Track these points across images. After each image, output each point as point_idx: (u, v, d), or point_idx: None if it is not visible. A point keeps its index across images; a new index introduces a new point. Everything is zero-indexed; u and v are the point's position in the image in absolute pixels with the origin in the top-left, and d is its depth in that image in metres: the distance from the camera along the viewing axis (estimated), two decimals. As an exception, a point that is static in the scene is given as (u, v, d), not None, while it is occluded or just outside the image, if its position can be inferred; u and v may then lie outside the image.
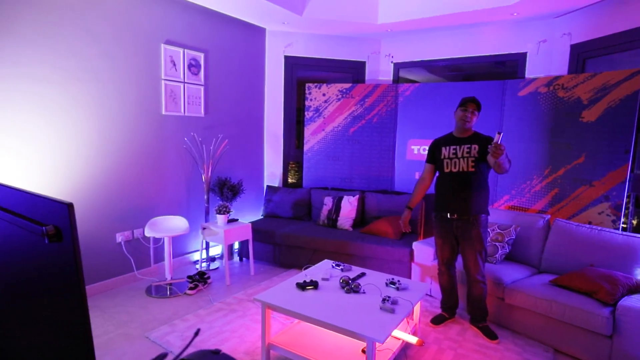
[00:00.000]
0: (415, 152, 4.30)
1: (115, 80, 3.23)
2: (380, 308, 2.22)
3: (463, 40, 4.30)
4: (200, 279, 3.41)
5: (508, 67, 4.33)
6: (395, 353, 2.28)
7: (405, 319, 2.40)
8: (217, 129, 4.14)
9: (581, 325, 2.41)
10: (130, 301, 3.12)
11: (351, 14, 4.07)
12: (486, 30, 4.16)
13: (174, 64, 3.65)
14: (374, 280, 2.64)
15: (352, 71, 4.87)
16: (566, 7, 3.49)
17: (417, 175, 4.24)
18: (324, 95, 4.58)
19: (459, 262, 2.89)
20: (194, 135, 3.89)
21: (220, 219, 3.63)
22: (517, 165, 3.67)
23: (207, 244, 3.97)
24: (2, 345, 1.08)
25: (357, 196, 4.21)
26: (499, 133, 2.32)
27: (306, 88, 4.65)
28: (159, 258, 3.72)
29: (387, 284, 2.56)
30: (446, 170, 2.74)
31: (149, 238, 3.57)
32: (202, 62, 3.90)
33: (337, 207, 4.17)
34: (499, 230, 3.20)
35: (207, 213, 3.92)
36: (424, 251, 3.35)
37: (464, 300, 2.89)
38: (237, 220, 3.83)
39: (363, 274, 2.74)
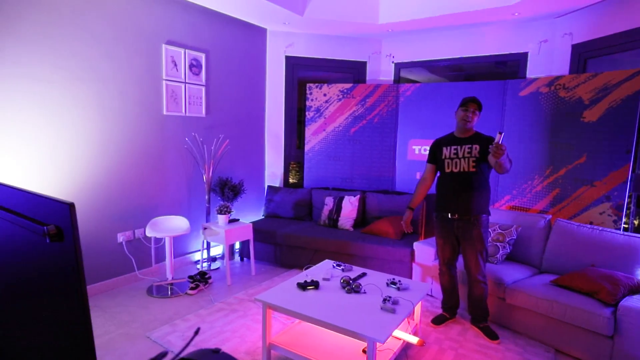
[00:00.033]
0: (416, 152, 4.30)
1: (117, 81, 3.23)
2: (381, 308, 2.21)
3: (464, 40, 4.30)
4: (201, 279, 3.41)
5: (509, 67, 4.33)
6: (396, 353, 2.28)
7: (406, 319, 2.40)
8: (218, 129, 4.15)
9: (582, 325, 2.41)
10: (131, 301, 3.12)
11: (352, 14, 4.07)
12: (487, 30, 4.15)
13: (175, 64, 3.65)
14: (375, 280, 2.64)
15: (353, 71, 4.87)
16: (567, 7, 3.48)
17: (418, 176, 4.24)
18: (324, 95, 4.58)
19: (460, 262, 2.89)
20: (195, 135, 3.89)
21: (221, 219, 3.64)
22: (518, 165, 3.66)
23: (208, 244, 3.97)
24: (2, 345, 1.08)
25: (358, 196, 4.21)
26: (500, 133, 2.32)
27: (307, 88, 4.65)
28: (160, 258, 3.72)
29: (387, 284, 2.56)
30: (447, 171, 2.74)
31: (150, 238, 3.57)
32: (203, 63, 3.90)
33: (338, 207, 4.17)
34: (500, 231, 3.20)
35: (208, 213, 3.92)
36: (424, 251, 3.35)
37: (465, 301, 2.89)
38: (238, 220, 3.83)
39: (364, 274, 2.74)
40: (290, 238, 3.90)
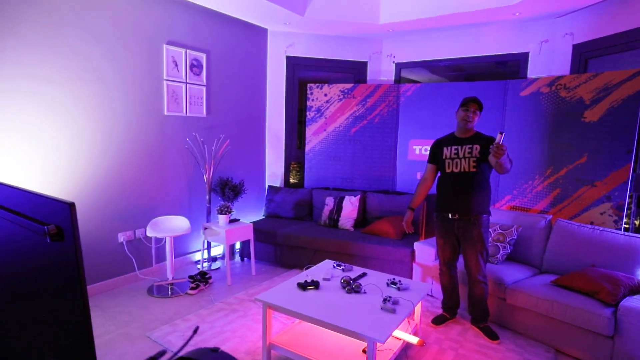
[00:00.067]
0: (417, 152, 4.30)
1: (117, 81, 3.24)
2: (381, 308, 2.21)
3: (465, 40, 4.30)
4: (201, 279, 3.42)
5: (510, 67, 4.33)
6: (396, 353, 2.28)
7: (406, 319, 2.40)
8: (219, 129, 4.15)
9: (582, 325, 2.41)
10: (131, 301, 3.13)
11: (353, 14, 4.08)
12: (488, 30, 4.15)
13: (176, 65, 3.65)
14: (375, 280, 2.64)
15: (354, 71, 4.87)
16: (568, 7, 3.48)
17: (418, 176, 4.24)
18: (325, 95, 4.58)
19: (460, 262, 2.89)
20: (195, 135, 3.89)
21: (222, 219, 3.64)
22: (518, 166, 3.66)
23: (209, 244, 3.97)
24: (2, 345, 1.09)
25: (359, 196, 4.21)
26: (501, 133, 2.32)
27: (308, 88, 4.65)
28: (161, 258, 3.72)
29: (388, 284, 2.56)
30: (447, 171, 2.74)
31: (150, 238, 3.58)
32: (204, 63, 3.90)
33: (338, 207, 4.17)
34: (500, 231, 3.19)
35: (208, 213, 3.93)
36: (425, 251, 3.35)
37: (465, 301, 2.89)
38: (238, 220, 3.83)
39: (364, 274, 2.74)
40: (290, 238, 3.91)
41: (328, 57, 4.75)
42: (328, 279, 2.62)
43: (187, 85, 3.77)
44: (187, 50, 3.73)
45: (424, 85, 4.25)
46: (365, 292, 2.44)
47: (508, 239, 3.14)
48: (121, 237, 3.38)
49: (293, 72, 4.77)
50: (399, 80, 4.81)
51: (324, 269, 2.80)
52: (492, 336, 2.66)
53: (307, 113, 4.66)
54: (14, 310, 1.03)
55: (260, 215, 4.77)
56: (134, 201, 3.45)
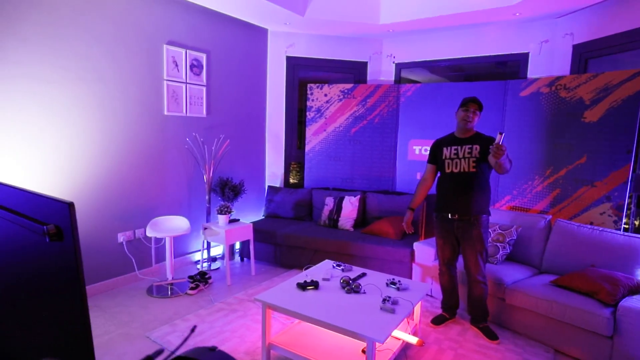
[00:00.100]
0: (417, 152, 4.30)
1: (118, 81, 3.24)
2: (381, 308, 2.22)
3: (465, 40, 4.30)
4: (201, 279, 3.42)
5: (510, 67, 4.33)
6: (395, 353, 2.28)
7: (405, 319, 2.40)
8: (219, 129, 4.15)
9: (582, 325, 2.41)
10: (131, 301, 3.13)
11: (353, 14, 4.08)
12: (488, 30, 4.15)
13: (176, 65, 3.66)
14: (375, 280, 2.64)
15: (354, 71, 4.87)
16: (568, 7, 3.48)
17: (418, 176, 4.24)
18: (325, 95, 4.59)
19: (460, 263, 2.89)
20: (195, 135, 3.89)
21: (222, 219, 3.64)
22: (518, 166, 3.66)
23: (209, 244, 3.97)
24: (2, 345, 1.09)
25: (358, 196, 4.21)
26: (501, 133, 2.32)
27: (308, 88, 4.65)
28: (160, 258, 3.73)
29: (387, 284, 2.56)
30: (447, 171, 2.74)
31: (150, 238, 3.58)
32: (204, 63, 3.90)
33: (338, 207, 4.17)
34: (500, 231, 3.19)
35: (208, 213, 3.93)
36: (424, 251, 3.35)
37: (465, 301, 2.89)
38: (238, 220, 3.84)
39: (364, 274, 2.74)
40: (290, 238, 3.91)
41: (328, 58, 4.75)
42: (327, 279, 2.62)
43: (187, 85, 3.77)
44: (187, 51, 3.73)
45: (424, 85, 4.26)
46: (364, 292, 2.44)
47: (508, 239, 3.14)
48: (121, 237, 3.38)
49: (293, 72, 4.77)
50: (399, 80, 4.81)
51: (324, 269, 2.80)
52: (492, 336, 2.66)
53: (307, 113, 4.66)
54: (13, 310, 1.03)
55: (260, 216, 4.77)
56: (134, 201, 3.45)
